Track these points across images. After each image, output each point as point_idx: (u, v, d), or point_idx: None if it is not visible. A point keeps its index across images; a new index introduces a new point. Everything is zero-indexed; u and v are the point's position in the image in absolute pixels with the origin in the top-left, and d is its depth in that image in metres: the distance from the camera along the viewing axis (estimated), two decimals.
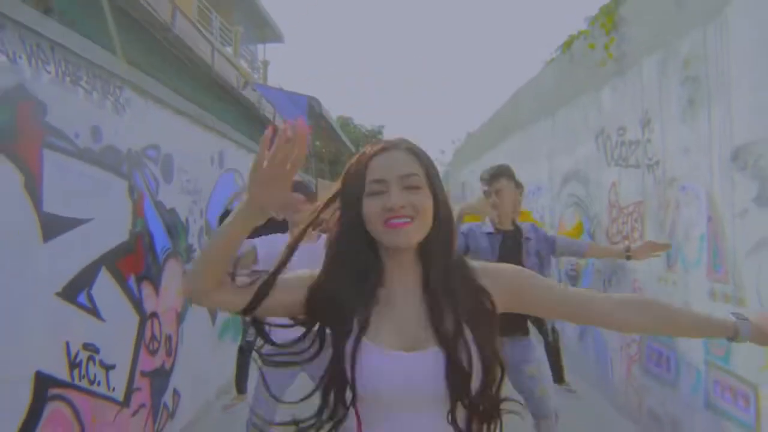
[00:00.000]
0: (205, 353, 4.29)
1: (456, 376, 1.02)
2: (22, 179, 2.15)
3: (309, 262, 1.20)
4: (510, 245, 2.81)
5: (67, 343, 2.41)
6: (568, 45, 5.02)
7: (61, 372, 2.37)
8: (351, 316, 1.06)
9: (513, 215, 2.99)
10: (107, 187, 2.82)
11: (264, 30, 19.37)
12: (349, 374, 1.02)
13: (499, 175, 3.00)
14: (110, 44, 2.87)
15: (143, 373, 3.15)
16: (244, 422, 3.17)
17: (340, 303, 1.07)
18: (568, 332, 5.11)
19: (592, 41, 4.31)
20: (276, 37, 20.35)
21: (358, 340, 1.03)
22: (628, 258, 2.91)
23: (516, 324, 2.77)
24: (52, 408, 2.28)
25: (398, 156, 1.09)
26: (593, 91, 4.41)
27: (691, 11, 3.06)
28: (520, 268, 1.22)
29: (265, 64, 19.96)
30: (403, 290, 1.10)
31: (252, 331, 4.06)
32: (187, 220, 3.96)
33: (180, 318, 3.77)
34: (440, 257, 1.10)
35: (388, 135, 26.24)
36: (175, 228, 3.71)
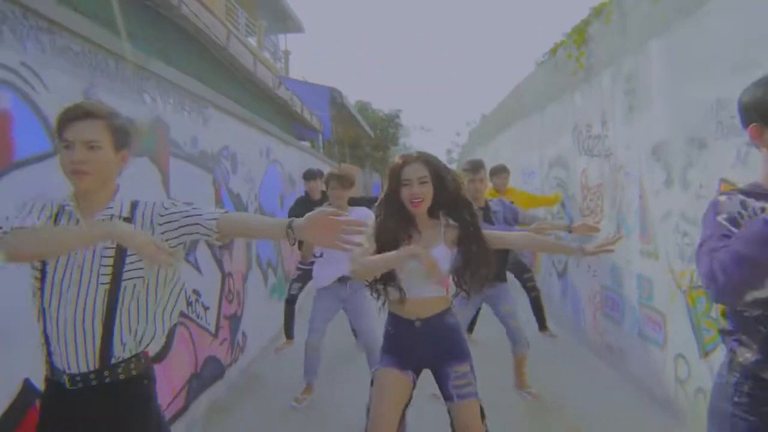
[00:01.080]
0: (261, 308, 5.42)
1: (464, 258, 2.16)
2: (160, 177, 3.26)
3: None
4: (481, 217, 3.84)
5: (185, 288, 3.54)
6: (553, 51, 5.96)
7: (184, 306, 3.51)
8: (396, 240, 2.16)
9: (484, 196, 3.99)
10: (201, 179, 3.93)
11: (285, 22, 20.29)
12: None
13: (479, 167, 4.00)
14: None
15: (224, 316, 4.29)
16: (291, 361, 4.31)
17: (391, 235, 2.17)
18: (554, 293, 6.16)
19: (570, 51, 5.27)
20: (296, 27, 21.25)
21: (395, 240, 2.16)
22: (570, 232, 3.86)
23: (496, 273, 3.82)
24: (180, 330, 3.43)
25: (416, 166, 2.18)
26: (570, 93, 5.38)
27: (630, 39, 4.03)
28: (494, 232, 2.34)
29: (287, 54, 20.97)
30: (420, 226, 2.22)
31: (295, 285, 5.17)
32: (246, 202, 5.07)
33: (244, 278, 4.90)
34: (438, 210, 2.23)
35: (405, 119, 27.11)
36: (240, 208, 4.83)
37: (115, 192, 1.67)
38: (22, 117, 2.07)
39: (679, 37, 3.35)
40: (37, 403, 2.07)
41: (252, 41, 17.45)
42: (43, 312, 1.55)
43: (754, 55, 2.61)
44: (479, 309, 5.33)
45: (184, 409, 3.46)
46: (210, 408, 3.83)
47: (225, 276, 4.32)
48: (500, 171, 5.42)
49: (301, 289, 5.21)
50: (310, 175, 5.34)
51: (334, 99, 12.93)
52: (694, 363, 3.23)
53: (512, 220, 3.89)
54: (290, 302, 5.24)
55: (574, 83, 5.23)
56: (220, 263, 4.23)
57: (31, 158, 2.10)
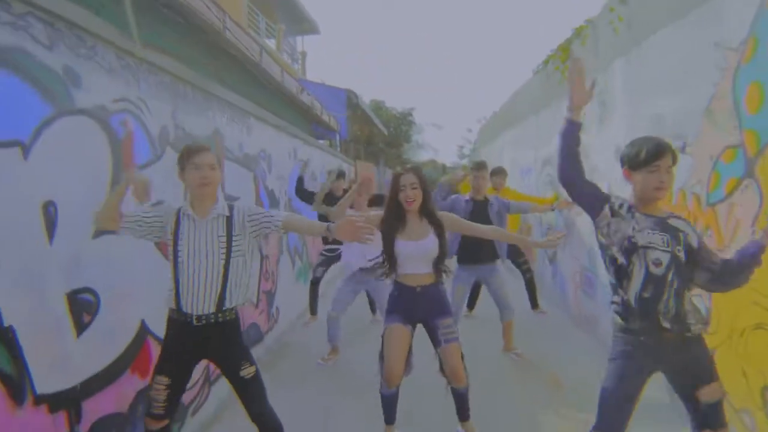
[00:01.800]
0: (290, 288, 6.29)
1: (441, 248, 2.96)
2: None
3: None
4: (479, 209, 4.65)
5: None
6: (546, 62, 6.73)
7: None
8: (394, 232, 3.00)
9: (485, 190, 4.82)
10: (245, 178, 4.79)
11: (302, 24, 21.15)
12: (395, 249, 2.97)
13: (483, 166, 4.82)
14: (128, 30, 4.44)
15: (263, 291, 5.16)
16: (316, 333, 5.16)
17: (390, 225, 3.01)
18: (546, 276, 6.96)
19: (557, 65, 6.05)
20: (312, 29, 22.10)
21: (396, 237, 2.98)
22: (553, 210, 4.67)
23: (489, 255, 4.65)
24: None
25: (410, 176, 3.02)
26: (558, 101, 6.16)
27: (600, 59, 4.81)
28: (451, 215, 3.15)
29: (304, 54, 21.84)
30: (412, 222, 3.04)
31: (319, 269, 6.02)
32: (278, 197, 5.94)
33: (277, 261, 5.77)
34: (425, 210, 3.03)
35: (417, 116, 27.85)
36: (274, 202, 5.70)
37: (217, 199, 2.54)
38: (139, 134, 2.94)
39: (632, 61, 4.13)
40: (150, 337, 2.97)
41: (271, 43, 18.37)
42: (177, 279, 2.43)
43: (683, 80, 3.40)
44: (479, 290, 6.19)
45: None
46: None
47: (263, 258, 5.18)
48: (499, 172, 6.23)
49: (324, 272, 6.06)
50: (336, 175, 6.18)
51: (350, 100, 13.77)
52: None
53: (504, 211, 4.70)
54: (314, 283, 6.09)
55: (560, 92, 6.01)
56: (259, 247, 5.10)
57: (145, 163, 2.97)
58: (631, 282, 2.20)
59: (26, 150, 2.08)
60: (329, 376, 4.57)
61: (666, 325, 2.15)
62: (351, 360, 4.93)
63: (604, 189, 2.45)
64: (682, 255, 2.18)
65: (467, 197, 4.76)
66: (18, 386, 2.02)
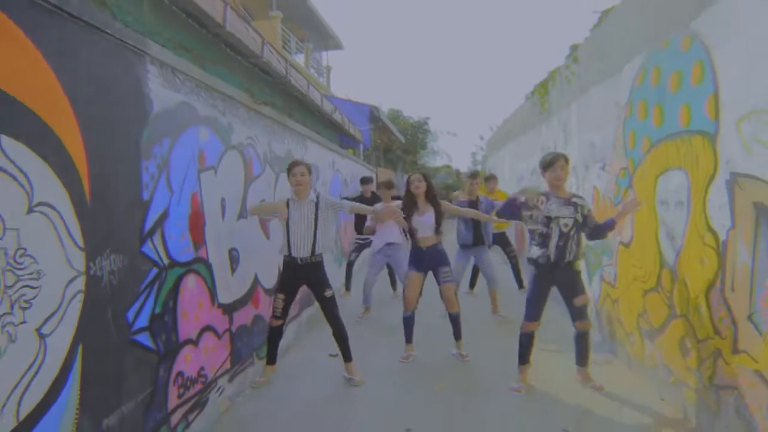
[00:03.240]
0: (329, 267, 8.06)
1: (437, 220, 4.77)
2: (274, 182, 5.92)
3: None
4: (471, 205, 6.38)
5: None
6: (533, 92, 8.45)
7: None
8: (410, 212, 4.79)
9: (477, 192, 6.56)
10: None
11: (327, 41, 23.08)
12: (412, 222, 4.77)
13: (476, 175, 6.58)
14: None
15: None
16: (352, 303, 6.96)
17: (409, 209, 4.81)
18: None
19: (539, 97, 7.77)
20: (336, 45, 24.02)
21: (413, 215, 4.78)
22: None
23: (479, 240, 6.39)
24: None
25: (416, 175, 4.89)
26: (539, 125, 7.89)
27: (564, 98, 6.53)
28: (446, 203, 4.96)
29: (329, 69, 23.76)
30: (421, 204, 4.84)
31: (354, 254, 7.81)
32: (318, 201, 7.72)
33: None
34: (429, 196, 4.83)
35: (433, 124, 29.55)
36: None
37: (309, 191, 4.35)
38: (254, 157, 4.74)
39: (581, 105, 5.85)
40: (259, 286, 4.77)
41: (300, 59, 20.28)
42: (288, 237, 4.23)
43: (603, 123, 5.11)
44: (478, 273, 7.92)
45: (296, 316, 6.11)
46: (308, 319, 6.49)
47: None
48: (491, 178, 7.98)
49: (357, 256, 7.85)
50: (365, 181, 7.98)
51: (373, 114, 15.58)
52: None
53: (490, 208, 6.44)
54: (350, 265, 7.89)
55: (541, 119, 7.74)
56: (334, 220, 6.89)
57: (256, 176, 4.78)
58: (551, 240, 3.94)
59: (216, 170, 3.89)
60: (364, 328, 6.34)
61: (570, 258, 3.90)
62: (379, 318, 6.70)
63: (566, 187, 4.15)
64: (580, 219, 3.92)
65: (465, 198, 6.51)
66: (213, 295, 3.83)
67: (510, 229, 9.01)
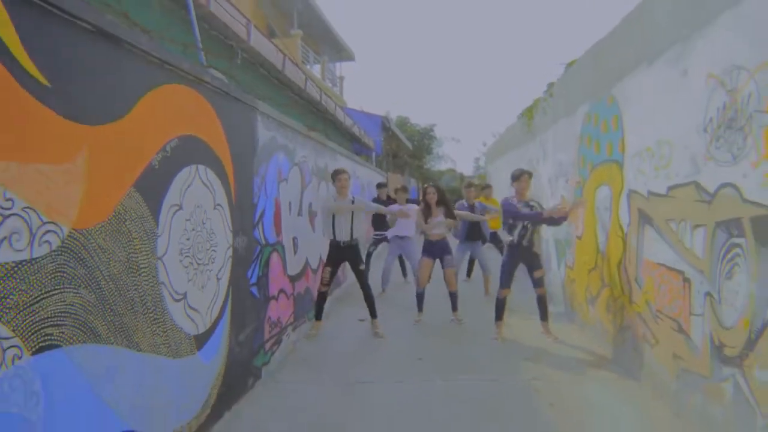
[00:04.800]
0: None
1: (449, 214, 6.48)
2: (326, 188, 7.61)
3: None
4: (468, 209, 8.06)
5: None
6: (523, 114, 10.11)
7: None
8: (427, 216, 6.49)
9: (474, 199, 8.23)
10: (332, 190, 8.28)
11: (340, 53, 24.78)
12: (428, 223, 6.48)
13: (471, 184, 8.26)
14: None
15: None
16: (371, 286, 8.68)
17: (425, 213, 6.51)
18: None
19: (526, 119, 9.43)
20: (349, 56, 25.71)
21: (429, 217, 6.48)
22: None
23: (476, 235, 8.06)
24: None
25: (430, 188, 6.57)
26: (527, 142, 9.54)
27: (545, 122, 8.19)
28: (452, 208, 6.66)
29: (341, 79, 25.47)
30: (434, 209, 6.54)
31: (372, 247, 9.50)
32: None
33: None
34: (442, 202, 6.52)
35: (438, 131, 31.27)
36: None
37: (348, 192, 6.05)
38: (307, 171, 6.42)
39: (556, 130, 7.52)
40: (308, 267, 6.48)
41: (317, 70, 22.00)
42: (333, 226, 5.94)
43: (567, 147, 6.77)
44: (473, 264, 9.61)
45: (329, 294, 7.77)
46: (337, 298, 8.16)
47: None
48: (487, 187, 9.67)
49: (374, 249, 9.54)
50: (380, 186, 9.67)
51: (384, 124, 17.27)
52: (554, 271, 7.39)
53: (483, 211, 8.09)
54: (368, 255, 9.57)
55: (528, 138, 9.40)
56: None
57: (308, 184, 6.46)
58: (517, 230, 5.63)
59: (287, 182, 5.57)
60: (382, 303, 8.01)
61: (526, 244, 5.58)
62: (394, 299, 8.38)
63: (545, 196, 5.83)
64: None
65: (465, 203, 8.18)
66: (285, 268, 5.51)
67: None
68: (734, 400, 3.09)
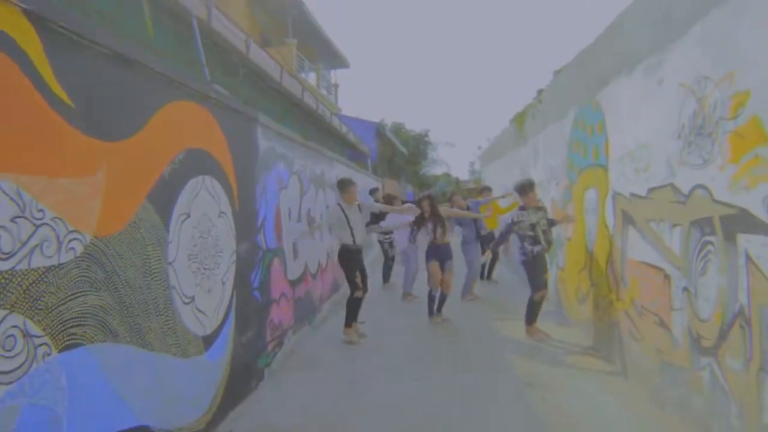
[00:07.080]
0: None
1: (439, 223, 6.71)
2: (323, 195, 7.82)
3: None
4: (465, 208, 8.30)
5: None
6: (513, 120, 10.34)
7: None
8: (420, 225, 6.72)
9: (466, 203, 8.45)
10: (331, 196, 8.48)
11: (334, 60, 25.03)
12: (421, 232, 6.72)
13: (456, 192, 8.49)
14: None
15: None
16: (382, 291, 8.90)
17: (419, 223, 6.75)
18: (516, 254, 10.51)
19: (518, 125, 9.67)
20: (344, 63, 25.97)
21: (421, 226, 6.71)
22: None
23: (472, 237, 8.28)
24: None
25: (425, 200, 6.80)
26: (519, 147, 9.78)
27: (536, 127, 8.43)
28: (446, 207, 6.92)
29: (336, 86, 25.72)
30: (428, 219, 6.75)
31: (384, 245, 9.71)
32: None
33: None
34: (435, 212, 6.75)
35: (433, 136, 31.51)
36: None
37: (355, 200, 6.28)
38: (306, 179, 6.62)
39: (546, 135, 7.75)
40: (308, 272, 6.68)
41: (311, 77, 22.24)
42: (352, 232, 6.16)
43: (556, 152, 7.00)
44: (494, 262, 9.77)
45: (328, 298, 7.97)
46: (334, 302, 8.36)
47: None
48: (484, 189, 9.91)
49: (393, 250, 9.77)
50: (372, 192, 9.91)
51: (379, 130, 17.50)
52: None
53: (477, 210, 8.31)
54: (392, 259, 9.79)
55: (520, 142, 9.64)
56: None
57: (306, 191, 6.68)
58: (536, 238, 5.85)
59: (286, 188, 5.78)
60: (380, 304, 8.21)
61: (545, 246, 5.80)
62: (394, 298, 8.58)
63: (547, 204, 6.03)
64: (548, 221, 5.82)
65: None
66: (285, 272, 5.70)
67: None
68: (712, 388, 3.29)
